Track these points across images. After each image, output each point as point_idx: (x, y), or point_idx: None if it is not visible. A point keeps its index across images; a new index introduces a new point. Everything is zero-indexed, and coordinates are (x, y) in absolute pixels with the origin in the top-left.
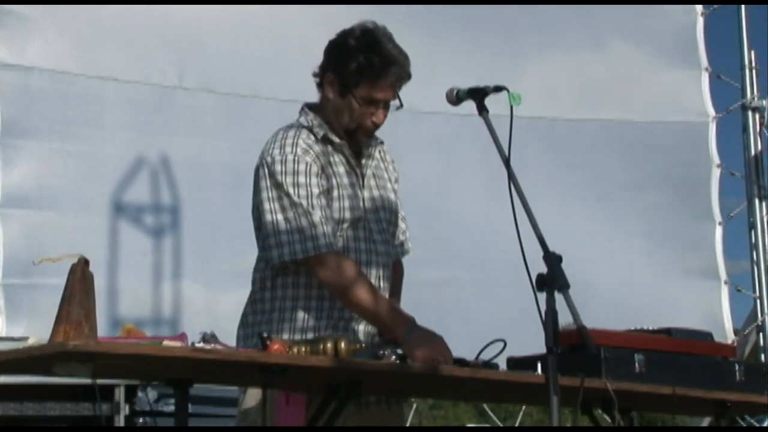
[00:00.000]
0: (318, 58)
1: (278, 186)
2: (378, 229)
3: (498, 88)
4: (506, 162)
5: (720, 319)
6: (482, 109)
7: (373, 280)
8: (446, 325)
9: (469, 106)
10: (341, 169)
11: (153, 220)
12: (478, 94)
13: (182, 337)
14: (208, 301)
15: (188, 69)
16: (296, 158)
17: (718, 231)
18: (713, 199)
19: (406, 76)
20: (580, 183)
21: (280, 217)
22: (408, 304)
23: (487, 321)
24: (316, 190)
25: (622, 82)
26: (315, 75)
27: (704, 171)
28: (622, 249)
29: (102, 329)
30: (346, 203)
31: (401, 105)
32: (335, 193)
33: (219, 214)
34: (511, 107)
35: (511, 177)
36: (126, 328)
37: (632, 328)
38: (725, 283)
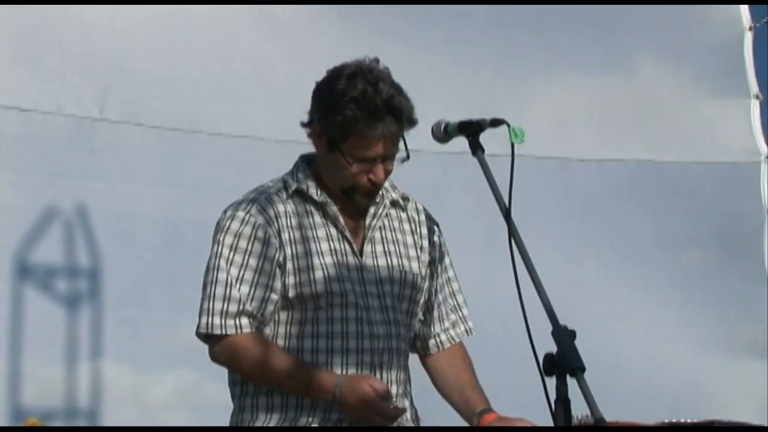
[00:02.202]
0: (276, 82)
1: (217, 244)
2: (380, 306)
3: (496, 122)
4: (506, 213)
5: None
6: (476, 148)
7: (364, 370)
8: (434, 410)
9: (461, 143)
10: (321, 233)
11: (67, 285)
12: (472, 129)
13: None
14: (136, 385)
15: (112, 97)
16: (247, 217)
17: None
18: (767, 258)
19: (407, 123)
20: (599, 238)
21: (206, 279)
22: None
23: None
24: (253, 261)
25: (650, 114)
26: (303, 125)
27: (755, 222)
28: (653, 320)
29: None
30: (317, 275)
31: (407, 156)
32: (299, 263)
33: (149, 279)
34: (512, 145)
35: (512, 232)
36: (28, 422)
37: (665, 421)
38: None
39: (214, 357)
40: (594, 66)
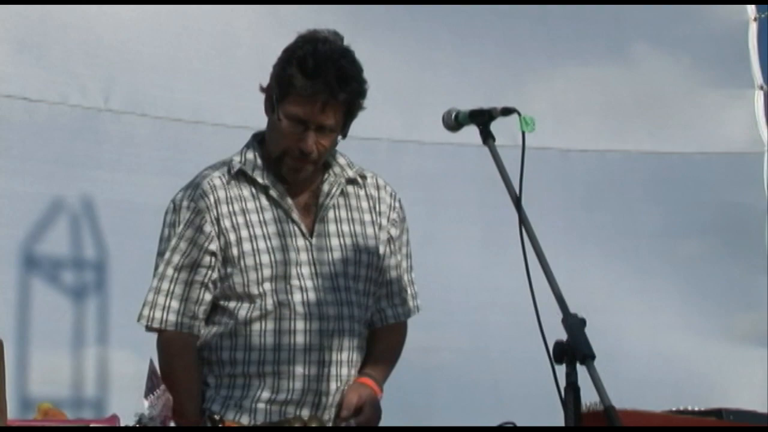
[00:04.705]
0: None
1: (161, 237)
2: (332, 287)
3: (507, 111)
4: (517, 202)
5: None
6: (487, 137)
7: (316, 353)
8: (436, 402)
9: (461, 133)
10: (267, 215)
11: (73, 276)
12: (483, 118)
13: (112, 420)
14: (143, 374)
15: (116, 87)
16: (190, 206)
17: None
18: None
19: (348, 100)
20: (601, 229)
21: (155, 269)
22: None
23: (489, 399)
24: (195, 253)
25: (652, 104)
26: (261, 89)
27: (757, 213)
28: (655, 309)
29: (9, 411)
30: (263, 258)
31: (344, 136)
32: (244, 248)
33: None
34: (523, 134)
35: (523, 221)
36: (42, 408)
37: (673, 409)
38: None
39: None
40: (596, 57)
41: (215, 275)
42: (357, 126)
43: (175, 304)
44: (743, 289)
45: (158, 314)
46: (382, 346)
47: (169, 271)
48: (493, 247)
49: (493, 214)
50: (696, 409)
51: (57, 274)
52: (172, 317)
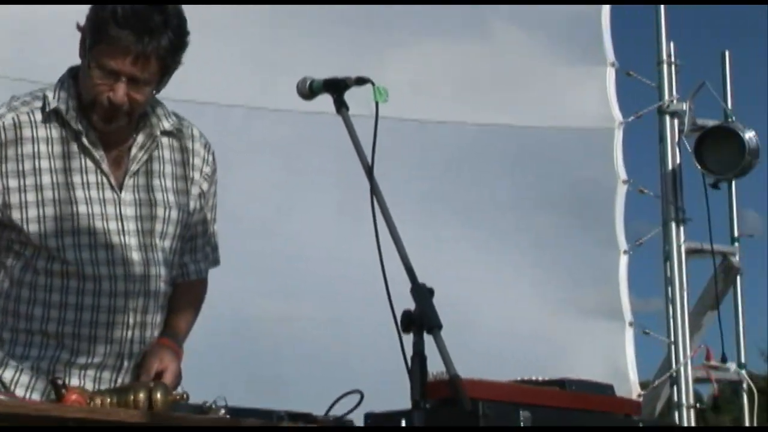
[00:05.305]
0: None
1: None
2: (138, 245)
3: (361, 81)
4: (369, 171)
5: (623, 368)
6: (341, 106)
7: (121, 315)
8: (287, 371)
9: (318, 102)
10: (75, 163)
11: None
12: (337, 87)
13: None
14: None
15: (13, 56)
16: None
17: (623, 261)
18: (617, 223)
19: (164, 55)
20: (455, 200)
21: None
22: (237, 344)
23: (339, 368)
24: None
25: (508, 78)
26: (78, 28)
27: (607, 188)
28: (506, 281)
29: None
30: (65, 210)
31: (158, 90)
32: (44, 196)
33: None
34: (377, 104)
35: (375, 190)
36: None
37: (518, 379)
38: (630, 324)
39: None
40: (455, 31)
41: None
42: (214, 92)
43: None
44: (593, 262)
45: None
46: (184, 302)
47: None
48: (347, 217)
49: (348, 183)
50: (539, 378)
51: None
52: None
